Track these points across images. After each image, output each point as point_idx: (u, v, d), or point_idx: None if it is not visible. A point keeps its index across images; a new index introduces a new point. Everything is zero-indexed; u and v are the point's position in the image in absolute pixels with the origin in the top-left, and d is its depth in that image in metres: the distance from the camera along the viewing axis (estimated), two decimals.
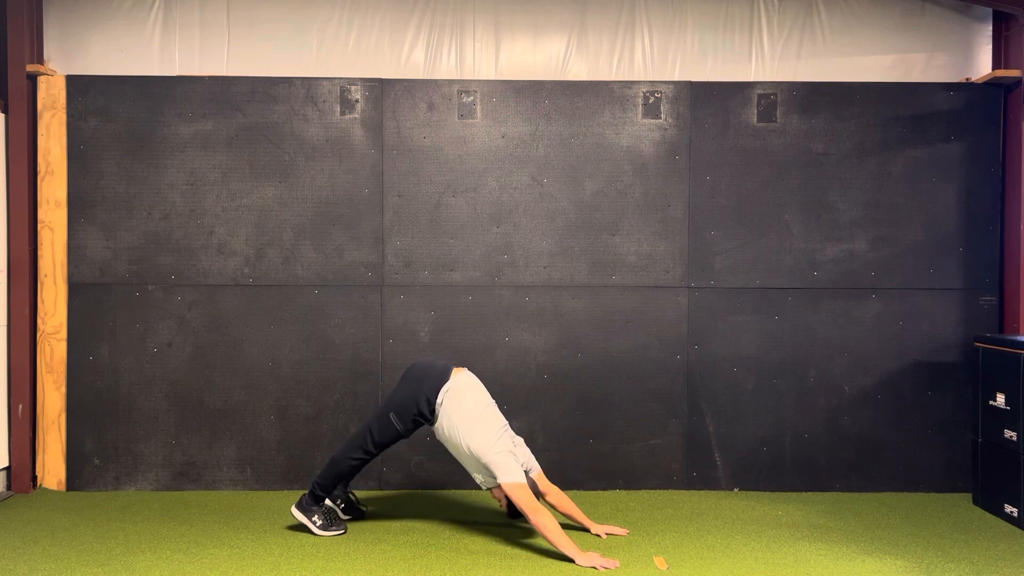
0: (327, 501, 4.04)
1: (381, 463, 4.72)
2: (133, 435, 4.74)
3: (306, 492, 4.05)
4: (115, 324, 4.74)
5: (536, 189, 4.80)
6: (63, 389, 4.74)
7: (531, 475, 3.93)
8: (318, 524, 3.97)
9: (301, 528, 4.03)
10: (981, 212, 4.83)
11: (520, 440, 4.00)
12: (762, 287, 4.82)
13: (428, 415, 3.89)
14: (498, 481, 3.78)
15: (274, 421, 4.77)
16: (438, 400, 3.87)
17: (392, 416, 3.89)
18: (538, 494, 3.91)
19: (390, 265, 4.79)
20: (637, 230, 4.81)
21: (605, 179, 4.80)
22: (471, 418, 3.84)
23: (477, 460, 3.82)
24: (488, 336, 4.80)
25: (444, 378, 3.91)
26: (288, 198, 4.77)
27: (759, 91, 4.81)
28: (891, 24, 5.01)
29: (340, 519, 4.04)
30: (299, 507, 4.00)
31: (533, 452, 4.09)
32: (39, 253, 4.74)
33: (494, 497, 4.12)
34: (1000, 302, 4.85)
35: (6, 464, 4.68)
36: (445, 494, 4.70)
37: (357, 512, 4.19)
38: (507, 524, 4.18)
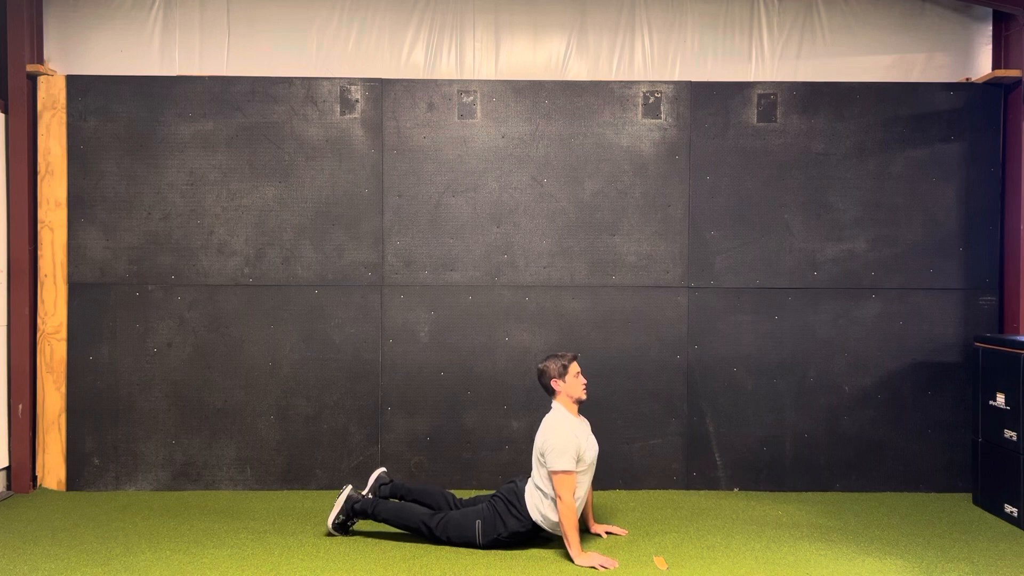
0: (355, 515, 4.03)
1: (381, 463, 4.72)
2: (133, 435, 4.74)
3: (369, 495, 4.04)
4: (115, 324, 4.74)
5: (536, 189, 4.80)
6: (63, 389, 4.74)
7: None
8: (335, 521, 3.97)
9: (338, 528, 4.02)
10: (981, 212, 4.83)
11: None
12: (762, 287, 4.82)
13: (522, 536, 3.81)
14: (548, 468, 3.70)
15: (274, 421, 4.77)
16: (536, 520, 3.79)
17: (478, 524, 3.82)
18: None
19: (390, 265, 4.79)
20: (637, 230, 4.81)
21: (605, 179, 4.80)
22: (539, 477, 3.81)
23: (548, 478, 3.74)
24: (488, 336, 4.80)
25: (523, 497, 3.84)
26: (288, 198, 4.77)
27: (759, 91, 4.81)
28: (891, 24, 5.02)
29: (349, 530, 4.02)
30: (348, 499, 3.98)
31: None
32: (39, 253, 4.74)
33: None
34: (1000, 302, 4.85)
35: (6, 464, 4.68)
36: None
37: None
38: None
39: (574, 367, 3.88)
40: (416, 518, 3.90)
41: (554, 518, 3.76)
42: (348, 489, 4.03)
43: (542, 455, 3.74)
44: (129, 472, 4.75)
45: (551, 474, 3.69)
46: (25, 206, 4.67)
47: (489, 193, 4.80)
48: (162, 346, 4.75)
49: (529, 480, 3.89)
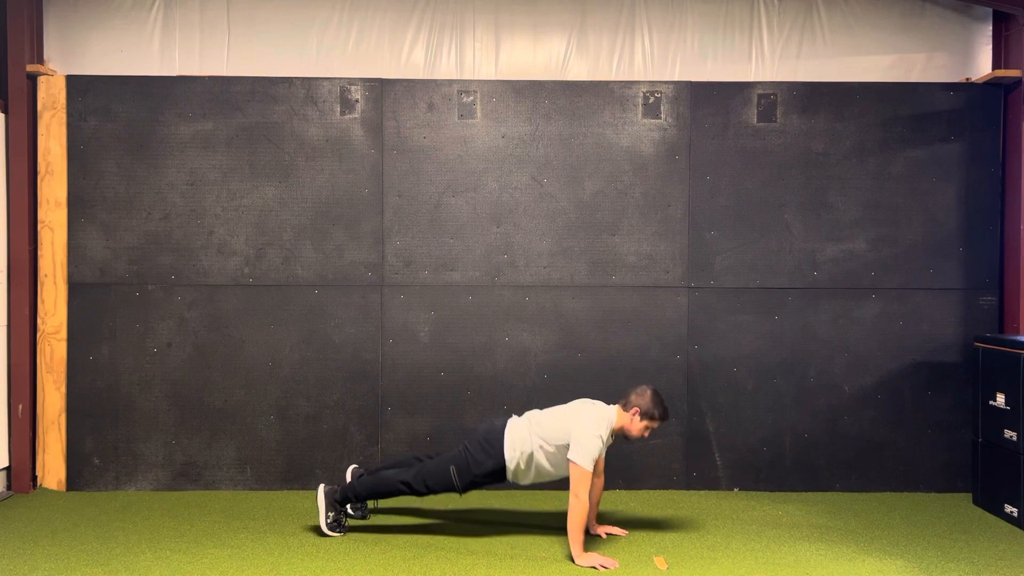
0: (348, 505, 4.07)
1: (381, 462, 4.72)
2: (133, 435, 4.74)
3: (340, 485, 4.07)
4: (115, 324, 4.74)
5: (536, 189, 4.80)
6: (63, 389, 4.74)
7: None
8: (328, 521, 3.97)
9: (315, 529, 4.04)
10: (981, 212, 4.83)
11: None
12: (762, 287, 4.82)
13: (495, 475, 3.87)
14: (568, 456, 3.72)
15: (274, 421, 4.77)
16: (507, 459, 3.83)
17: (452, 470, 3.88)
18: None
19: (390, 265, 4.79)
20: (637, 230, 4.81)
21: (605, 179, 4.80)
22: (546, 428, 3.84)
23: (565, 447, 3.76)
24: (488, 336, 4.80)
25: (502, 434, 3.88)
26: (288, 198, 4.77)
27: (759, 91, 4.81)
28: (891, 24, 5.02)
29: (345, 525, 4.04)
30: (326, 495, 4.00)
31: None
32: (39, 253, 4.74)
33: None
34: (1000, 302, 4.85)
35: (6, 464, 4.68)
36: (445, 494, 4.68)
37: (363, 514, 4.17)
38: (507, 524, 4.18)
39: (654, 424, 3.85)
40: (394, 480, 3.94)
41: (536, 458, 3.79)
42: (322, 487, 4.03)
43: (570, 436, 3.75)
44: (129, 472, 4.75)
45: (571, 463, 3.71)
46: (25, 206, 4.67)
47: (489, 193, 4.80)
48: (162, 346, 4.75)
49: (523, 419, 3.90)
